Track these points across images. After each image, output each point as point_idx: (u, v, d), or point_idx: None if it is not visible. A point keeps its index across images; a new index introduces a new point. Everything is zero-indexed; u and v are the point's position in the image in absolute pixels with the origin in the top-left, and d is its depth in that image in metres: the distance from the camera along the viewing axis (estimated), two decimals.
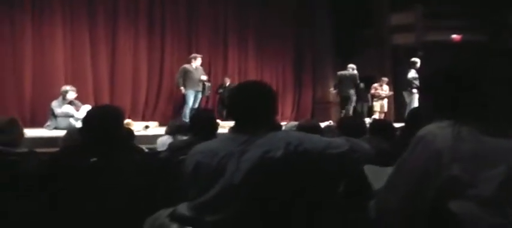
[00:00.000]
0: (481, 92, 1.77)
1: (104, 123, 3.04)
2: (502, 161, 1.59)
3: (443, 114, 1.77)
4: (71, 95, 9.32)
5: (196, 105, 11.29)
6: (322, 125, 5.74)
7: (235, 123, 2.28)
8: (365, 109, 14.23)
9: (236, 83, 13.02)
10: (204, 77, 11.35)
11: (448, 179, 1.61)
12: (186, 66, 11.29)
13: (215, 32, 14.53)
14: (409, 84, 11.48)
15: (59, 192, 2.83)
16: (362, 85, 12.91)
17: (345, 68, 12.91)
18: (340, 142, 2.13)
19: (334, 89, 13.62)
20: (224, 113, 12.39)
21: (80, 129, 3.32)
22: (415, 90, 11.29)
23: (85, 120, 3.14)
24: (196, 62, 11.35)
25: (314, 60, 16.52)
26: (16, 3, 10.87)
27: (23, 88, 10.90)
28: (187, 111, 11.05)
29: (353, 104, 12.81)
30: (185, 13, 13.87)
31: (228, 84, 13.35)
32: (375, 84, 14.00)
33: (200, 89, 11.32)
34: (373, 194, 1.94)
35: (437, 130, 1.70)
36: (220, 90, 13.29)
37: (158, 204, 2.55)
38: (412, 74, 11.52)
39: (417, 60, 11.77)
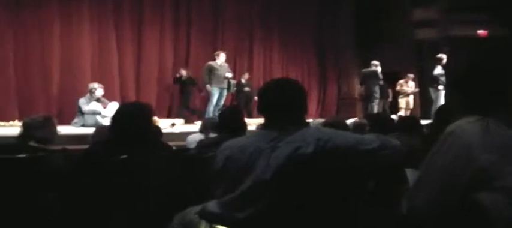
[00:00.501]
0: (508, 88, 1.80)
1: (134, 121, 3.06)
2: None
3: (471, 109, 1.79)
4: (99, 92, 9.40)
5: (222, 103, 11.28)
6: (348, 121, 5.72)
7: (266, 120, 2.29)
8: (387, 106, 14.14)
9: (251, 80, 13.36)
10: (229, 74, 11.29)
11: (476, 171, 1.64)
12: (211, 63, 11.24)
13: (240, 28, 14.58)
14: (435, 80, 11.34)
15: (90, 188, 2.86)
16: (381, 82, 12.78)
17: (369, 64, 12.84)
18: (371, 138, 2.12)
19: (361, 85, 13.58)
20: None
21: (109, 126, 3.35)
22: (441, 87, 11.13)
23: (115, 117, 3.17)
24: (221, 59, 11.26)
25: (337, 56, 16.48)
26: (43, 3, 11.01)
27: (51, 85, 11.03)
28: (210, 108, 11.03)
29: (377, 100, 12.73)
30: (211, 9, 13.94)
31: (244, 80, 13.46)
32: (401, 81, 13.89)
33: (225, 86, 11.28)
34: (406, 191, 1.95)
35: (465, 125, 1.73)
36: (234, 88, 12.39)
37: (187, 201, 2.57)
38: (438, 70, 11.37)
39: (443, 56, 11.61)
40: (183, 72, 12.49)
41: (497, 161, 1.63)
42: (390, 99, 14.26)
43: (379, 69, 12.54)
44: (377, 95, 12.63)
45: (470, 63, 1.97)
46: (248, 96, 13.51)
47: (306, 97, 2.36)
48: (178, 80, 12.61)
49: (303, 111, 2.31)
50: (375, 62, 12.68)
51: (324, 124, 4.12)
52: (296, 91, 2.30)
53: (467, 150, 1.67)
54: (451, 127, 1.77)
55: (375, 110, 12.51)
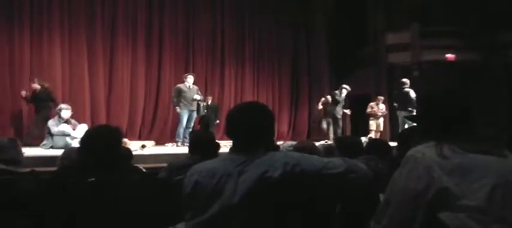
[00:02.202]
0: (464, 115, 1.92)
1: (103, 143, 3.05)
2: (487, 174, 1.73)
3: (429, 135, 1.92)
4: (65, 113, 9.30)
5: (191, 125, 11.29)
6: (318, 144, 5.77)
7: (234, 144, 2.30)
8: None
9: (216, 101, 13.29)
10: (197, 97, 11.31)
11: (439, 191, 1.74)
12: (180, 85, 11.29)
13: (212, 50, 14.67)
14: (412, 105, 11.42)
15: (58, 211, 2.84)
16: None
17: (340, 88, 13.24)
18: (338, 162, 2.15)
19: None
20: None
21: (78, 148, 3.32)
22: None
23: (84, 140, 3.16)
24: (189, 81, 11.31)
25: (310, 79, 16.61)
26: (15, 22, 10.92)
27: (20, 106, 10.89)
28: (180, 130, 11.08)
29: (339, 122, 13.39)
30: (183, 31, 14.02)
31: (209, 102, 13.14)
32: (371, 103, 14.05)
33: (194, 108, 11.30)
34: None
35: (424, 149, 1.85)
36: (204, 111, 12.44)
37: (158, 223, 2.57)
38: (413, 94, 11.59)
39: (406, 80, 11.94)
40: (36, 86, 10.52)
41: (457, 181, 1.71)
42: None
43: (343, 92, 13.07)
44: (339, 116, 13.24)
45: (427, 94, 2.10)
46: (209, 119, 13.05)
47: (274, 121, 2.37)
48: (32, 98, 10.51)
49: (270, 135, 2.33)
50: (344, 85, 13.08)
51: (295, 149, 4.14)
52: (263, 115, 2.31)
53: (428, 172, 1.77)
54: (411, 151, 1.87)
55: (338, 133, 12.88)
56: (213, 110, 13.29)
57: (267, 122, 2.31)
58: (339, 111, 13.29)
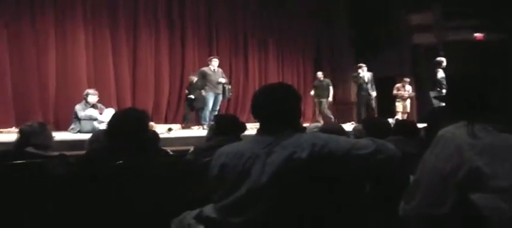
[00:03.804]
0: (495, 95, 1.87)
1: (129, 126, 3.08)
2: None
3: (461, 115, 1.87)
4: (92, 98, 9.38)
5: (217, 108, 11.30)
6: (345, 126, 5.74)
7: (261, 125, 2.29)
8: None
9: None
10: (222, 80, 11.28)
11: (470, 172, 1.69)
12: (204, 69, 11.29)
13: (235, 33, 14.61)
14: (438, 84, 11.24)
15: (87, 194, 2.87)
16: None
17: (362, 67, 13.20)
18: (366, 143, 2.13)
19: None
20: (188, 115, 12.26)
21: (105, 131, 3.35)
22: (444, 91, 11.10)
23: (111, 123, 3.18)
24: (214, 64, 11.30)
25: (333, 61, 16.51)
26: (38, 7, 10.99)
27: (47, 92, 11.00)
28: (206, 113, 11.08)
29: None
30: (205, 15, 13.97)
31: (194, 81, 12.13)
32: (397, 85, 13.93)
33: (220, 91, 11.29)
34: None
35: (454, 129, 1.80)
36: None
37: (184, 205, 2.58)
38: (441, 74, 11.35)
39: (443, 59, 11.62)
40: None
41: (489, 163, 1.67)
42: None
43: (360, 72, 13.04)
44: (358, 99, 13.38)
45: (458, 72, 2.08)
46: (194, 101, 12.17)
47: (300, 102, 2.37)
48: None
49: (297, 116, 2.32)
50: (360, 64, 13.18)
51: (321, 129, 4.12)
52: (290, 96, 2.30)
53: (459, 152, 1.73)
54: (441, 132, 1.84)
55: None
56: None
57: (292, 102, 2.30)
58: (367, 91, 13.08)
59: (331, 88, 13.69)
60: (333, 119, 13.33)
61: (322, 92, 13.45)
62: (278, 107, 2.23)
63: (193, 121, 12.17)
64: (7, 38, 10.51)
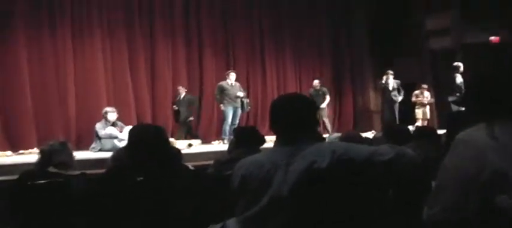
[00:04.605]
0: None
1: (150, 141, 3.08)
2: None
3: (480, 116, 1.85)
4: (112, 116, 9.45)
5: (237, 122, 11.33)
6: (365, 134, 5.73)
7: (279, 136, 2.29)
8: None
9: (190, 94, 12.52)
10: (240, 94, 11.33)
11: (493, 174, 1.67)
12: (222, 83, 11.38)
13: (252, 46, 14.59)
14: (458, 89, 11.16)
15: (109, 211, 2.88)
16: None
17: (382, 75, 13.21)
18: (385, 150, 2.13)
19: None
20: (180, 129, 12.18)
21: (126, 147, 3.37)
22: None
23: (130, 139, 3.19)
24: (231, 78, 11.39)
25: (352, 69, 16.44)
26: (56, 26, 11.13)
27: (67, 112, 11.12)
28: (226, 127, 11.14)
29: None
30: (221, 27, 13.99)
31: (183, 95, 12.29)
32: (416, 91, 13.85)
33: (238, 105, 11.33)
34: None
35: (474, 132, 1.79)
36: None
37: (207, 220, 2.58)
38: (460, 78, 11.29)
39: (460, 64, 11.56)
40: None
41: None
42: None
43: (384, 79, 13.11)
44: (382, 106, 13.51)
45: (476, 75, 2.04)
46: (179, 114, 12.34)
47: (316, 111, 2.38)
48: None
49: (314, 125, 2.33)
50: (388, 71, 13.21)
51: (340, 139, 4.13)
52: (306, 105, 2.31)
53: (480, 154, 1.71)
54: (459, 135, 1.82)
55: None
56: (185, 104, 12.28)
57: (309, 111, 2.30)
58: (390, 98, 13.06)
59: (327, 96, 13.58)
60: (330, 128, 13.35)
61: (319, 101, 13.18)
62: (296, 117, 2.23)
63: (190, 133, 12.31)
64: (27, 59, 10.65)
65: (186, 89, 12.47)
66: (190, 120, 12.36)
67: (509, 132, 1.73)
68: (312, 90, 13.76)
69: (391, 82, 13.02)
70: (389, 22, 15.35)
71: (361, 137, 4.25)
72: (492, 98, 1.88)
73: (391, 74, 13.07)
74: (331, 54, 16.18)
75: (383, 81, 13.19)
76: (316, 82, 13.82)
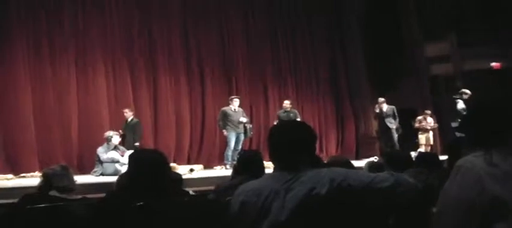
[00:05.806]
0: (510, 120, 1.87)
1: (150, 166, 3.08)
2: None
3: (480, 143, 1.86)
4: (115, 139, 9.49)
5: (239, 147, 11.32)
6: (368, 160, 5.72)
7: (278, 162, 2.29)
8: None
9: (137, 117, 11.66)
10: (243, 119, 11.35)
11: (491, 201, 1.67)
12: (225, 109, 11.40)
13: (253, 73, 14.58)
14: (459, 115, 11.24)
15: None
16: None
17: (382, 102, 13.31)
18: (385, 177, 2.12)
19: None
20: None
21: (126, 173, 3.38)
22: None
23: (129, 165, 3.19)
24: (235, 104, 11.41)
25: (352, 95, 16.41)
26: (60, 52, 11.21)
27: (70, 136, 11.14)
28: (229, 153, 11.15)
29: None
30: (222, 55, 14.00)
31: (129, 119, 11.29)
32: (419, 117, 13.85)
33: (241, 131, 11.34)
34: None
35: (472, 158, 1.79)
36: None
37: None
38: (461, 104, 11.35)
39: (467, 91, 11.64)
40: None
41: (510, 189, 1.66)
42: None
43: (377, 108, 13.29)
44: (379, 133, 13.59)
45: (475, 101, 2.08)
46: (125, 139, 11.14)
47: (315, 136, 2.37)
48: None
49: (313, 151, 2.33)
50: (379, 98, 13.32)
51: (328, 163, 4.05)
52: (303, 131, 2.31)
53: (479, 181, 1.71)
54: (459, 162, 1.83)
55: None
56: (130, 129, 11.20)
57: (307, 137, 2.30)
58: (385, 125, 13.10)
59: (298, 119, 11.70)
60: None
61: None
62: (293, 143, 2.24)
63: None
64: (31, 85, 10.73)
65: (132, 111, 11.48)
66: (137, 146, 10.82)
67: (507, 159, 1.73)
68: (281, 111, 12.67)
69: (383, 108, 13.07)
70: (389, 49, 15.41)
71: (348, 160, 4.21)
72: (489, 126, 1.89)
73: (383, 101, 13.11)
74: (331, 81, 16.15)
75: (377, 111, 13.23)
76: (286, 103, 12.69)
